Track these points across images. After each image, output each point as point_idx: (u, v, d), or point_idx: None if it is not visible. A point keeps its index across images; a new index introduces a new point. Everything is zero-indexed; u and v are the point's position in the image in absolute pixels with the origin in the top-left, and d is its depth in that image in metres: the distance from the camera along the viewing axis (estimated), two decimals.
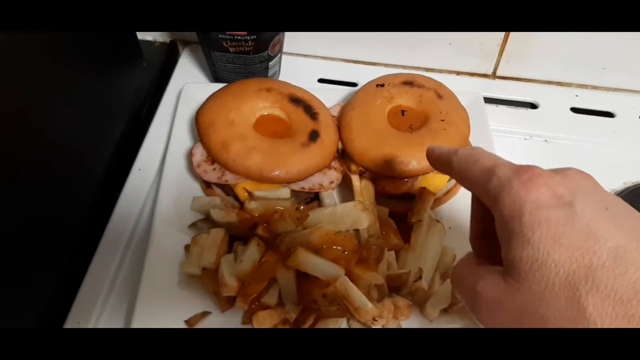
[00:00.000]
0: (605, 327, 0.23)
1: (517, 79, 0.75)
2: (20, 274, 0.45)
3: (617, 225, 0.25)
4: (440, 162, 0.35)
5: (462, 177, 0.32)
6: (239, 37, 0.61)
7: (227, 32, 0.61)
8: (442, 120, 0.57)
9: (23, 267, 0.45)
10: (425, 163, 0.53)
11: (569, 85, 0.75)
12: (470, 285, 0.30)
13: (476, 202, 0.34)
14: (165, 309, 0.48)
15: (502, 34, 0.70)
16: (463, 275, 0.31)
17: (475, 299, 0.29)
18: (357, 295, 0.45)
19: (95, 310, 0.51)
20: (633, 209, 0.27)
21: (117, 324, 0.50)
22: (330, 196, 0.56)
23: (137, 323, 0.47)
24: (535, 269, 0.25)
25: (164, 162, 0.59)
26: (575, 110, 0.72)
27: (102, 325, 0.50)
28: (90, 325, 0.50)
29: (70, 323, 0.50)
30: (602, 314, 0.23)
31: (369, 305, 0.45)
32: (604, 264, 0.23)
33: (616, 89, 0.74)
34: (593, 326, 0.23)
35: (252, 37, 0.61)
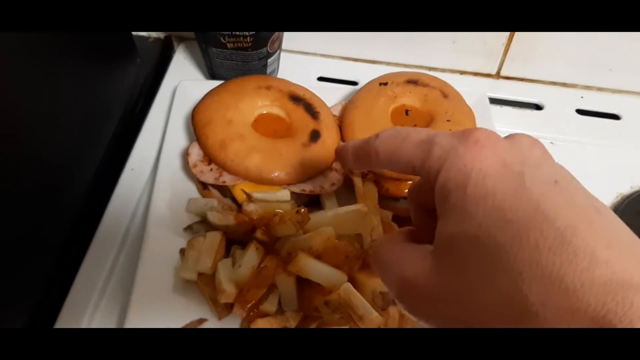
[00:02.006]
0: (548, 319, 0.20)
1: (522, 80, 0.73)
2: (8, 275, 0.43)
3: (566, 201, 0.22)
4: (360, 154, 0.31)
5: (393, 159, 0.28)
6: (237, 33, 0.59)
7: None
8: (448, 121, 0.55)
9: (11, 268, 0.43)
10: None
11: (574, 86, 0.73)
12: (397, 271, 0.26)
13: (415, 193, 0.31)
14: (160, 315, 0.46)
15: (507, 33, 0.68)
16: (387, 257, 0.28)
17: (403, 287, 0.26)
18: (361, 303, 0.43)
19: (85, 316, 0.48)
20: (579, 182, 0.25)
21: None
22: (332, 199, 0.54)
23: None
24: (474, 250, 0.23)
25: (158, 161, 0.57)
26: (580, 112, 0.71)
27: None
28: None
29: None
30: (546, 305, 0.20)
31: (374, 313, 0.43)
32: (550, 247, 0.21)
33: (622, 91, 0.73)
34: (535, 318, 0.20)
35: (251, 33, 0.59)
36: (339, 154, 0.33)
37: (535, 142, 0.27)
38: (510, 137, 0.27)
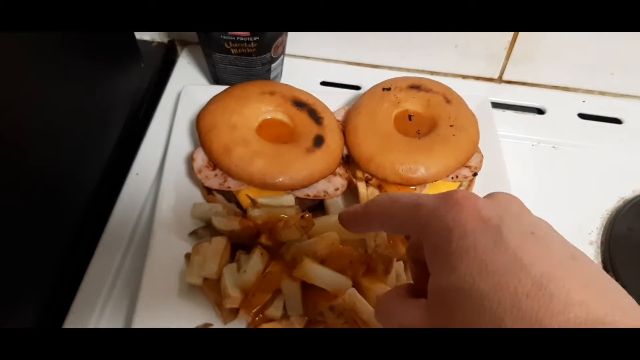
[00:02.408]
0: None
1: (524, 84, 0.74)
2: (18, 278, 0.43)
3: (542, 250, 0.24)
4: (357, 217, 0.34)
5: (386, 219, 0.31)
6: (241, 39, 0.59)
7: (229, 33, 0.59)
8: (451, 126, 0.55)
9: (20, 271, 0.43)
10: (434, 170, 0.53)
11: (576, 90, 0.73)
12: (397, 322, 0.29)
13: (411, 249, 0.33)
14: (165, 320, 0.46)
15: (509, 37, 0.68)
16: (389, 309, 0.31)
17: None
18: (365, 308, 0.44)
19: (91, 320, 0.49)
20: (557, 232, 0.27)
21: None
22: (336, 204, 0.54)
23: None
24: (460, 300, 0.25)
25: (162, 166, 0.57)
26: (582, 116, 0.71)
27: None
28: None
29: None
30: None
31: None
32: (528, 293, 0.23)
33: (624, 95, 0.73)
34: None
35: (255, 38, 0.60)
36: (342, 220, 0.35)
37: (512, 197, 0.28)
38: (489, 195, 0.29)
